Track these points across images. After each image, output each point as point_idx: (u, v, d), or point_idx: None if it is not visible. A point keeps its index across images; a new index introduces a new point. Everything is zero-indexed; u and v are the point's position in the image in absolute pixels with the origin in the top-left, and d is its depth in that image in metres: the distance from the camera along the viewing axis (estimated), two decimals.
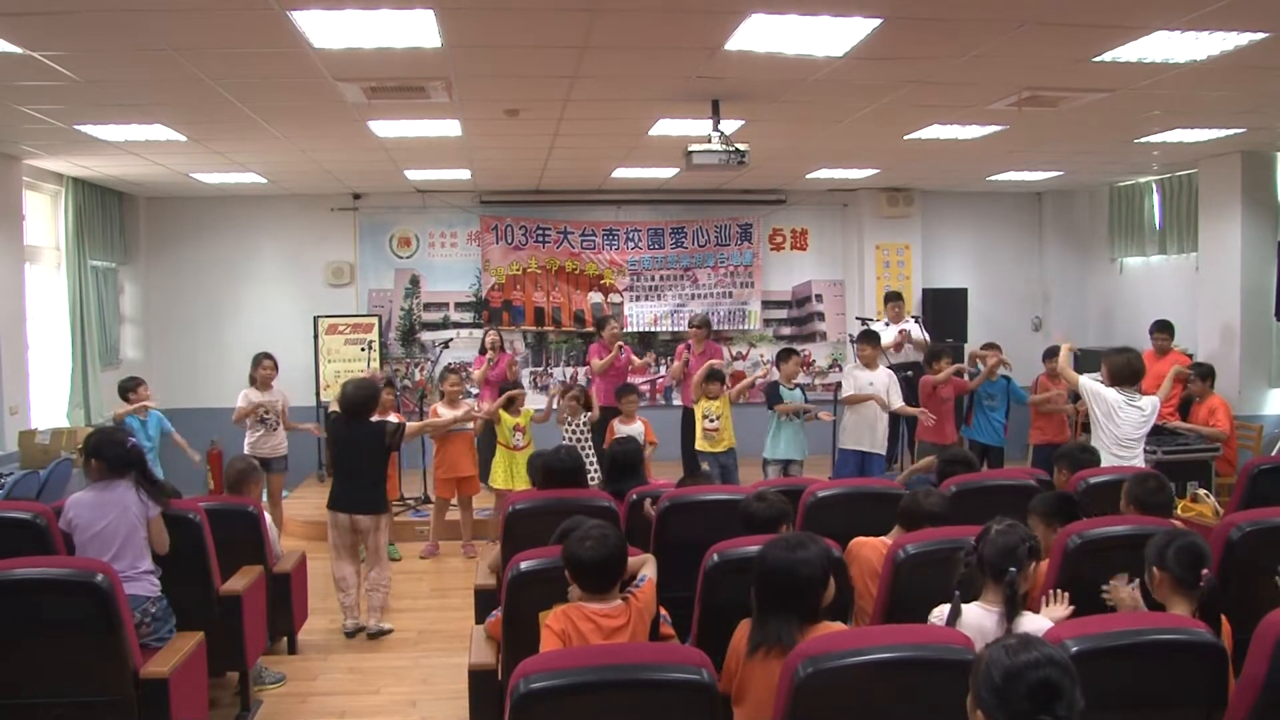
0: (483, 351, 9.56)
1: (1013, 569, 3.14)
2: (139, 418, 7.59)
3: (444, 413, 8.08)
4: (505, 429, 8.05)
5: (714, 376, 8.11)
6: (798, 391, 8.11)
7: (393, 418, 7.19)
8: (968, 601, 3.23)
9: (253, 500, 5.78)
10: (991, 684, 2.07)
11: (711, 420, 7.97)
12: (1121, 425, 6.11)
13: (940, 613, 3.23)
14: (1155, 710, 2.86)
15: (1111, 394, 6.15)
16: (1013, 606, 3.13)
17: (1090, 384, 6.27)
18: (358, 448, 6.26)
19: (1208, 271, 9.53)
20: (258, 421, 8.01)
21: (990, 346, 8.58)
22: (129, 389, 7.80)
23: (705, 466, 7.92)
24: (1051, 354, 8.41)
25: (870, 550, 4.09)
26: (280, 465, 8.15)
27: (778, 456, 8.03)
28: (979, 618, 3.16)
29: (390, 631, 6.36)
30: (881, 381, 8.04)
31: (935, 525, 4.09)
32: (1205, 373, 8.29)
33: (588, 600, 3.33)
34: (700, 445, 8.05)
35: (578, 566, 3.35)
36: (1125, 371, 6.24)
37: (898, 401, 8.05)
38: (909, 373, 9.08)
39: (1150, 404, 6.24)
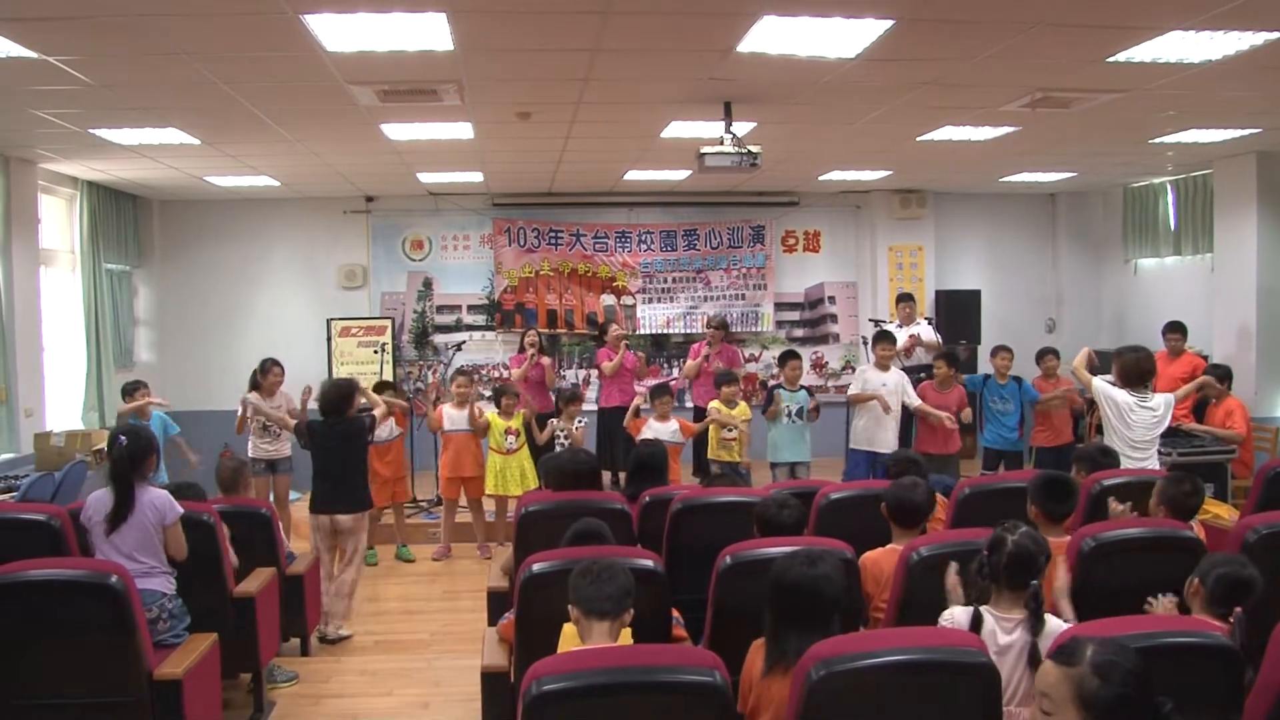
0: (521, 350, 9.57)
1: (1035, 582, 3.11)
2: (142, 419, 7.59)
3: (450, 413, 8.09)
4: (496, 433, 8.04)
5: (727, 378, 8.06)
6: (801, 392, 8.10)
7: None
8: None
9: (265, 502, 5.79)
10: None
11: (729, 430, 7.89)
12: (1134, 428, 6.04)
13: (951, 615, 3.21)
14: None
15: (1122, 396, 6.05)
16: (1038, 620, 3.10)
17: (1102, 386, 6.16)
18: (338, 446, 6.26)
19: (1223, 272, 9.48)
20: (261, 429, 8.01)
21: (1003, 349, 8.56)
22: (129, 391, 7.86)
23: (716, 471, 7.90)
24: (1044, 354, 8.40)
25: (886, 564, 4.05)
26: (285, 466, 8.12)
27: (784, 459, 8.03)
28: (988, 624, 3.13)
29: (349, 638, 6.25)
30: (894, 382, 8.00)
31: (925, 516, 4.18)
32: (1223, 375, 8.23)
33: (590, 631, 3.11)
34: (716, 454, 7.95)
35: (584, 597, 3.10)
36: (1135, 370, 6.13)
37: (915, 400, 8.02)
38: (921, 375, 9.05)
39: (1163, 403, 6.14)
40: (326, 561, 6.34)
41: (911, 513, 4.19)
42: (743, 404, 8.00)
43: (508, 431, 8.05)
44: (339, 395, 6.32)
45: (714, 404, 7.96)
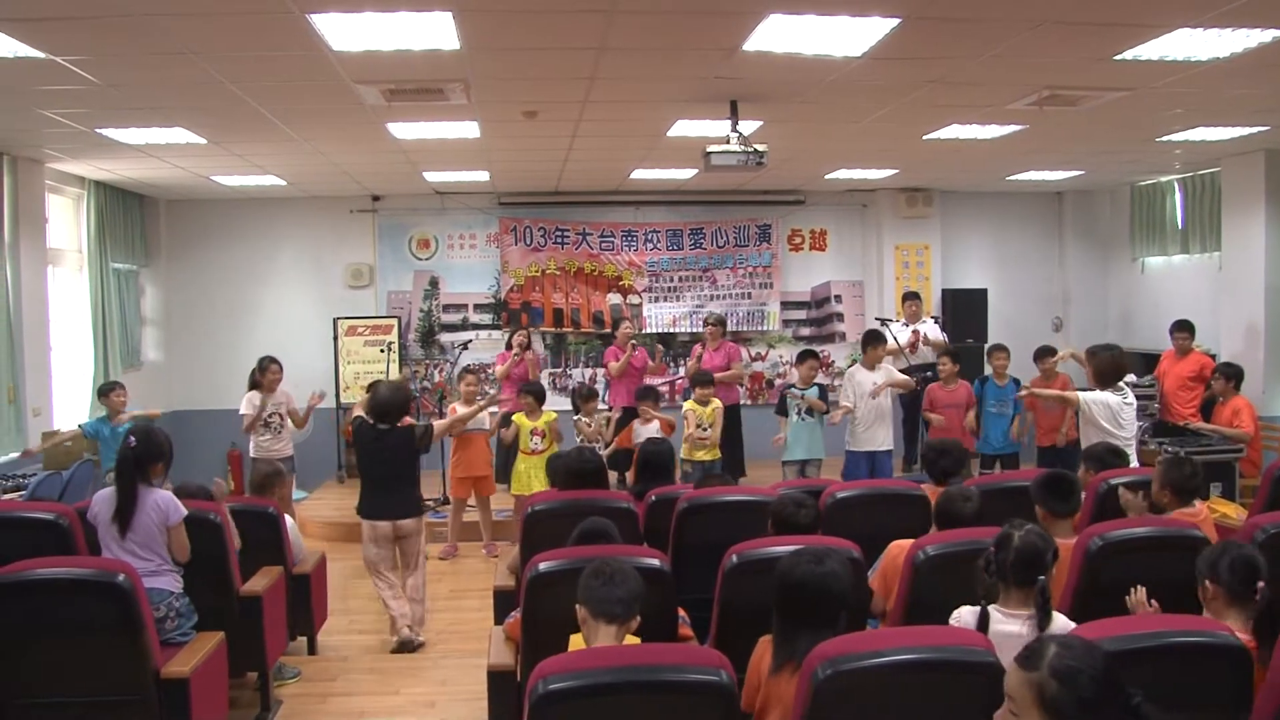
0: (509, 348, 9.59)
1: (1042, 577, 3.11)
2: (111, 425, 7.58)
3: (462, 411, 8.07)
4: (524, 433, 8.05)
5: (700, 379, 8.16)
6: (814, 390, 8.11)
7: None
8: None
9: (273, 501, 5.80)
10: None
11: (703, 429, 7.97)
12: (1126, 426, 6.04)
13: (960, 614, 3.21)
14: (1178, 713, 2.82)
15: (1112, 398, 6.03)
16: (1045, 615, 3.09)
17: (1090, 396, 6.13)
18: (392, 453, 6.07)
19: (1231, 271, 9.45)
20: (263, 426, 8.03)
21: (998, 349, 8.55)
22: (104, 392, 7.82)
23: (688, 470, 7.91)
24: (1043, 354, 8.36)
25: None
26: (288, 466, 8.08)
27: (795, 458, 8.06)
28: (997, 623, 3.13)
29: (424, 644, 6.18)
30: (884, 378, 8.05)
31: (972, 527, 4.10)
32: (1231, 373, 8.21)
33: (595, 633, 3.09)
34: (687, 453, 7.99)
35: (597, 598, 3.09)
36: (1111, 368, 6.12)
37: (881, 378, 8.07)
38: (927, 373, 9.04)
39: (1130, 391, 6.17)
40: (385, 571, 6.10)
41: (953, 521, 4.16)
42: (716, 401, 8.09)
43: (533, 433, 8.05)
44: (401, 400, 6.13)
45: (688, 404, 8.07)
